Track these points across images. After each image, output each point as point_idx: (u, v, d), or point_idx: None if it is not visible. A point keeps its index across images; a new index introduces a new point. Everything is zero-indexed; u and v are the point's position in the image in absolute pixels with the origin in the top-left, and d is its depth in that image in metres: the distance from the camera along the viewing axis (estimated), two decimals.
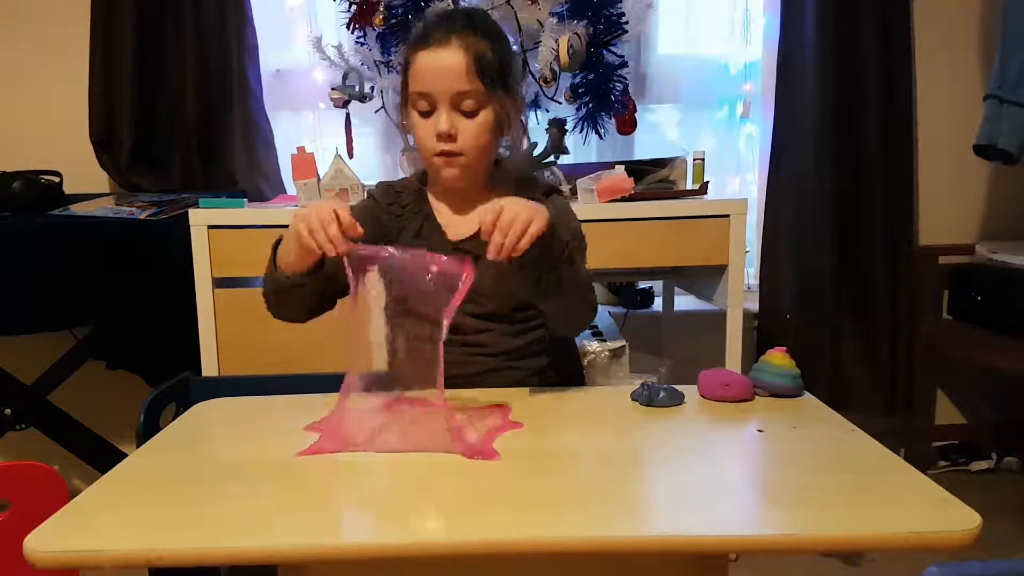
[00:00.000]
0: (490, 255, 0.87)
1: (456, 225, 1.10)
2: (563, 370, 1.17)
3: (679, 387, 1.02)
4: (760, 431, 0.90)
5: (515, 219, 0.86)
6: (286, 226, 1.60)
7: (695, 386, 1.04)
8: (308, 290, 1.00)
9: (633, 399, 1.02)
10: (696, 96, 2.22)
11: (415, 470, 0.81)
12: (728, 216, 1.57)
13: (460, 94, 1.00)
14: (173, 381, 1.25)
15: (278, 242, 1.01)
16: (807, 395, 1.05)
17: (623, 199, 1.60)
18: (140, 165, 1.98)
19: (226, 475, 0.81)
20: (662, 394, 1.00)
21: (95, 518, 0.70)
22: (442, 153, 1.02)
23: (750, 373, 1.05)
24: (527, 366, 1.12)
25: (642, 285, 2.18)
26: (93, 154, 1.98)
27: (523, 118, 1.13)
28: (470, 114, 1.01)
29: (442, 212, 1.11)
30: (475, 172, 1.07)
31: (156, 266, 1.71)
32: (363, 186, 1.64)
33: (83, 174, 1.98)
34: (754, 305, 2.12)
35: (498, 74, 1.02)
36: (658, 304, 2.15)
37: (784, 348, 1.05)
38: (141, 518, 0.70)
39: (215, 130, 2.01)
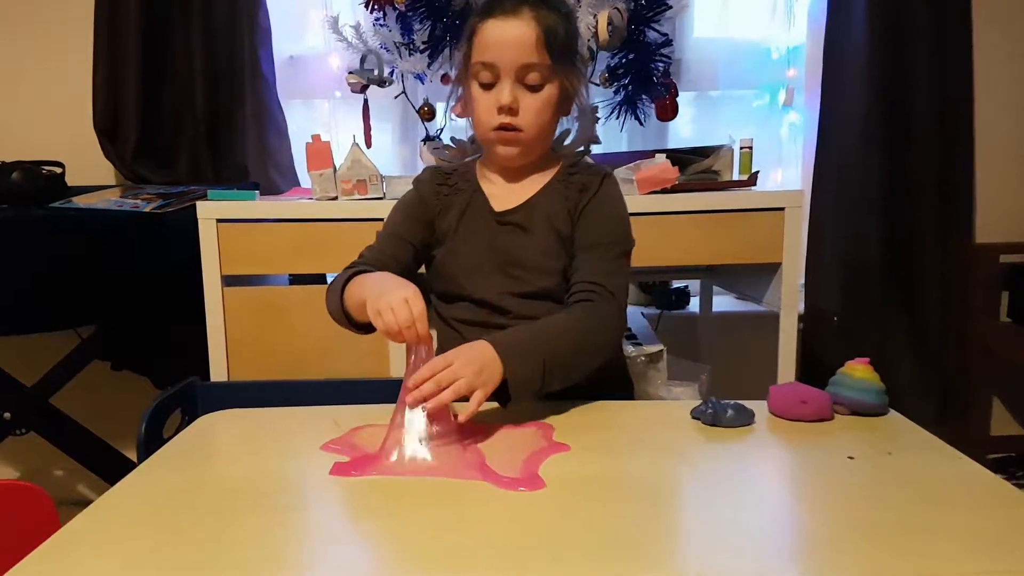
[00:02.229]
0: (408, 402, 0.81)
1: (504, 196, 1.05)
2: (610, 373, 1.07)
3: (746, 403, 0.90)
4: (851, 458, 0.78)
5: (455, 379, 0.81)
6: (300, 220, 1.52)
7: (762, 401, 0.93)
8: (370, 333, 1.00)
9: (694, 417, 0.90)
10: (735, 83, 2.09)
11: (450, 501, 0.70)
12: (783, 209, 1.44)
13: (526, 67, 0.96)
14: (179, 386, 1.17)
15: (349, 277, 0.98)
16: (892, 413, 0.93)
17: (663, 191, 1.47)
18: (146, 156, 1.88)
19: (234, 504, 0.70)
20: (730, 412, 0.87)
21: (81, 555, 0.60)
22: (501, 127, 0.98)
23: (828, 387, 0.93)
24: None
25: (676, 284, 2.05)
26: (98, 144, 1.87)
27: (585, 97, 1.07)
28: (534, 88, 0.97)
29: (495, 183, 1.06)
30: (533, 151, 1.03)
31: (162, 262, 1.61)
32: (382, 177, 1.53)
33: (88, 166, 1.89)
34: (799, 306, 1.98)
35: (565, 49, 0.99)
36: (694, 304, 2.01)
37: (867, 359, 0.94)
38: (135, 555, 0.60)
39: (225, 119, 1.91)
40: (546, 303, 1.01)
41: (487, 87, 0.98)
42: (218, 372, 1.55)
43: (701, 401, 0.91)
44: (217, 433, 0.93)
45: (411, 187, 1.10)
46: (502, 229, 1.03)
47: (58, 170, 1.74)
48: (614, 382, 1.10)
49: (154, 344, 1.76)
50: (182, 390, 1.16)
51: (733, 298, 2.05)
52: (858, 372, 0.93)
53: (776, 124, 2.10)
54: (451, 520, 0.66)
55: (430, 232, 1.06)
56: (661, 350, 1.60)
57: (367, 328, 0.95)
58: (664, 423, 0.91)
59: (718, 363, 1.78)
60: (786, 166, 2.10)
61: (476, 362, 0.84)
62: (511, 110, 0.97)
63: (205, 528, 0.65)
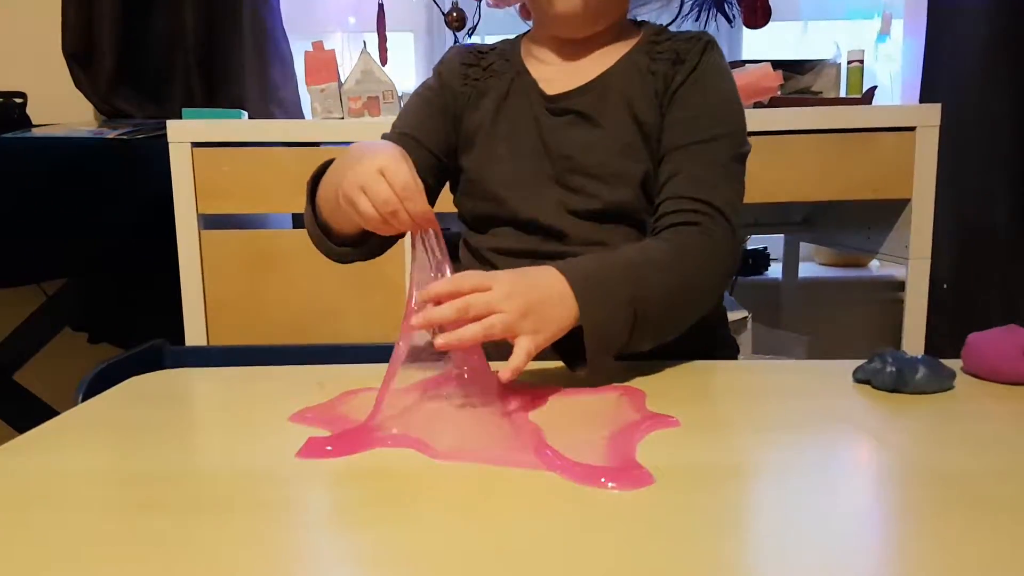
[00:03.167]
0: (415, 323, 0.52)
1: (561, 78, 0.76)
2: (711, 325, 0.76)
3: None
4: None
5: (488, 311, 0.52)
6: (297, 144, 1.24)
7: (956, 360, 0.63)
8: (363, 252, 0.72)
9: (859, 380, 0.59)
10: (820, 9, 1.78)
11: (487, 501, 0.40)
12: (914, 129, 1.11)
13: None
14: (139, 349, 0.94)
15: (320, 171, 0.70)
16: None
17: (756, 105, 1.15)
18: (126, 87, 1.60)
19: (127, 500, 0.40)
20: (921, 371, 0.56)
21: None
22: None
23: None
24: None
25: (752, 245, 1.72)
26: (68, 73, 1.60)
27: None
28: None
29: (548, 61, 0.78)
30: (600, 10, 0.73)
31: (136, 199, 1.33)
32: (398, 95, 1.23)
33: (57, 98, 1.61)
34: (901, 271, 1.66)
35: None
36: (775, 270, 1.69)
37: None
38: None
39: (220, 45, 1.62)
40: (621, 226, 0.71)
41: None
42: (195, 338, 1.27)
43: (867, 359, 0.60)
44: (144, 398, 0.65)
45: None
46: (558, 122, 0.74)
47: (19, 100, 1.47)
48: (715, 339, 0.79)
49: (129, 304, 1.49)
50: (142, 355, 0.92)
51: (818, 264, 1.73)
52: None
53: (870, 58, 1.77)
54: (490, 534, 0.36)
55: (455, 132, 0.78)
56: (745, 317, 1.30)
57: (364, 242, 0.67)
58: (812, 389, 0.60)
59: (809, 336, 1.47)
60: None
61: (530, 293, 0.54)
62: None
63: (69, 543, 0.35)
